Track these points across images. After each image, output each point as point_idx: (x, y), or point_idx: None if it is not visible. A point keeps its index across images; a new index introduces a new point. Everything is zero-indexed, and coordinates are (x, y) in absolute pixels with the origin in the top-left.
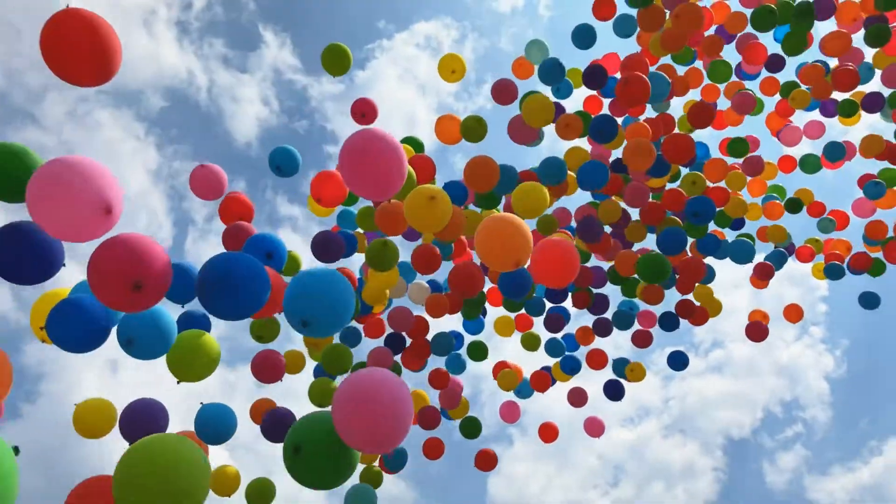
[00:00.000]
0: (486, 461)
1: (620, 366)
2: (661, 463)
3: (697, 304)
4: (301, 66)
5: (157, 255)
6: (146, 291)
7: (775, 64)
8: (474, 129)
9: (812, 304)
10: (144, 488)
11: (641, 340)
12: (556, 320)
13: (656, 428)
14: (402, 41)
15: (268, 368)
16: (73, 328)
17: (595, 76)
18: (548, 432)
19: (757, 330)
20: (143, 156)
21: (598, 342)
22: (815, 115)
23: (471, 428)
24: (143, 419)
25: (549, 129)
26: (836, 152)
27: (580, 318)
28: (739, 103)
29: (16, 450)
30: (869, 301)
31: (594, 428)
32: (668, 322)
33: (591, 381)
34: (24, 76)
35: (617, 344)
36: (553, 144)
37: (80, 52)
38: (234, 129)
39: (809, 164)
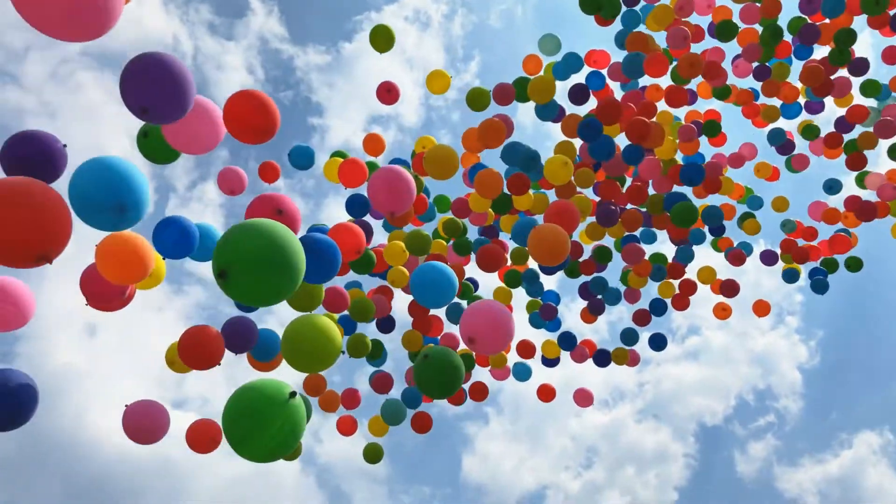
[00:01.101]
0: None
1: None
2: (634, 447)
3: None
4: (288, 35)
5: None
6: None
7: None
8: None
9: (788, 294)
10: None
11: (640, 319)
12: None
13: (630, 412)
14: (391, 13)
15: None
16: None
17: (578, 95)
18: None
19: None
20: (126, 120)
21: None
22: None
23: None
24: None
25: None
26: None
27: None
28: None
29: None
30: (818, 286)
31: (584, 398)
32: (657, 307)
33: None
34: (4, 35)
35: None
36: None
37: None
38: (218, 96)
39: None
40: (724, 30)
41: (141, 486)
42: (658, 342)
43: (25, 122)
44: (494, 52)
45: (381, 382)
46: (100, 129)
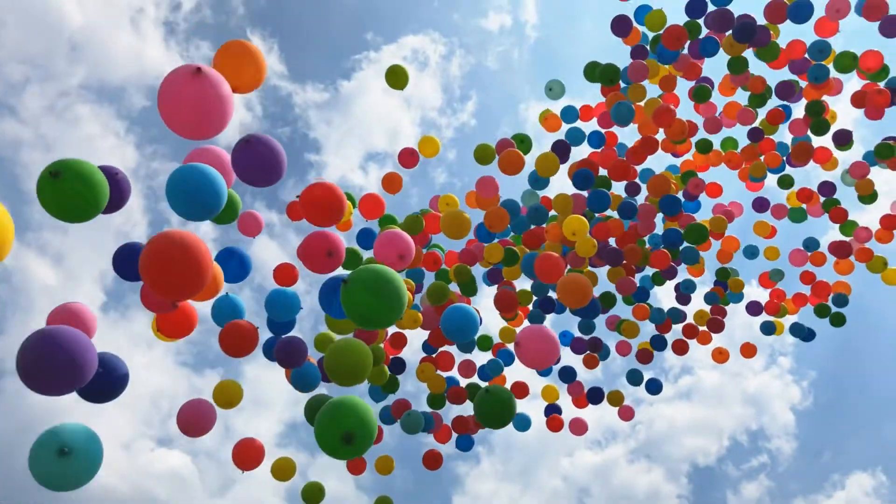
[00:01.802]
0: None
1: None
2: (626, 488)
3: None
4: (287, 72)
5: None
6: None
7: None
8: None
9: (781, 335)
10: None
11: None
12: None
13: (622, 452)
14: (390, 53)
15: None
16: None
17: (560, 149)
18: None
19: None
20: (122, 154)
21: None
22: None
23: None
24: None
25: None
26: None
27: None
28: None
29: None
30: (805, 335)
31: (579, 427)
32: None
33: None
34: (4, 67)
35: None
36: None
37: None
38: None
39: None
40: (699, 93)
41: None
42: (654, 386)
43: (21, 154)
44: (491, 94)
45: (398, 407)
46: (96, 162)
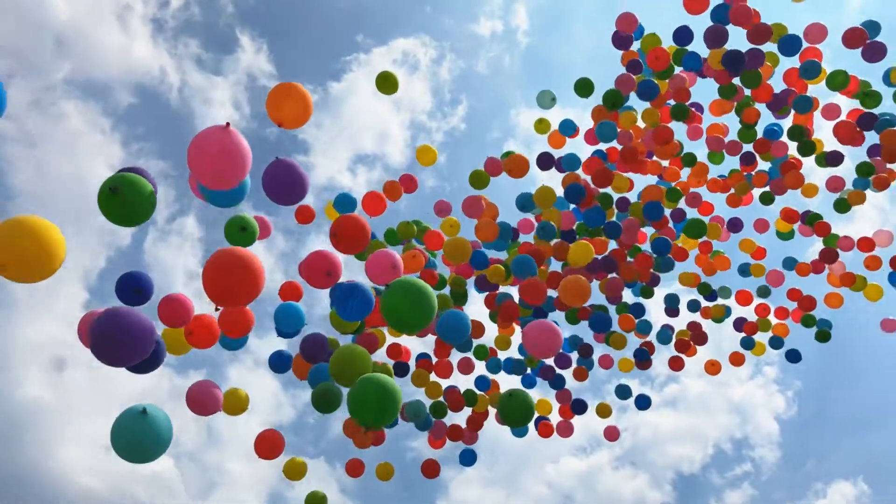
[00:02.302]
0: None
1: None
2: (611, 495)
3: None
4: (276, 72)
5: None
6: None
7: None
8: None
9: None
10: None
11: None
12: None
13: (607, 459)
14: (380, 55)
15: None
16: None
17: (544, 161)
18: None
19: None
20: (108, 151)
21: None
22: None
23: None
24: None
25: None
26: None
27: None
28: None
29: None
30: (792, 356)
31: (565, 430)
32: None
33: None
34: None
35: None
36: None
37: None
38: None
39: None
40: (677, 111)
41: None
42: (643, 402)
43: (5, 148)
44: (481, 98)
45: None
46: (81, 158)
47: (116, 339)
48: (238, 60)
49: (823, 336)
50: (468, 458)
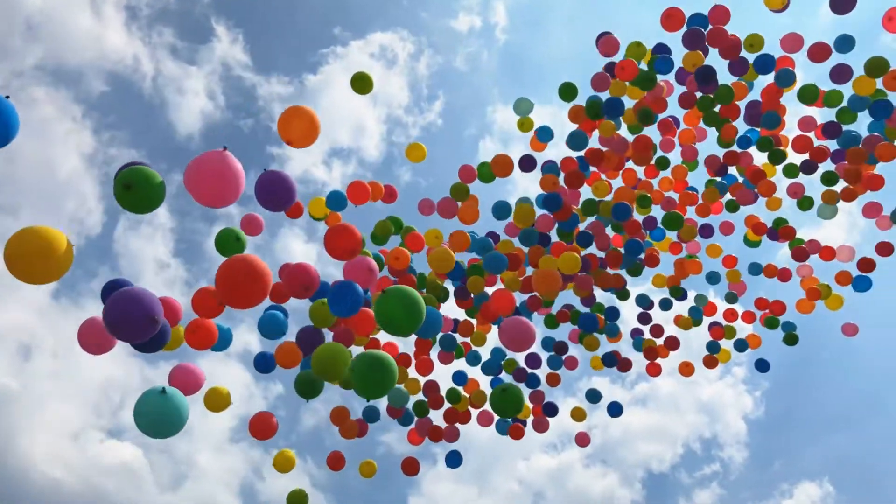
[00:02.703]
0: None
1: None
2: (581, 492)
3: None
4: (251, 63)
5: None
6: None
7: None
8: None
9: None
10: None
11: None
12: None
13: (578, 457)
14: (358, 49)
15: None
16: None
17: (526, 164)
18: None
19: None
20: (78, 139)
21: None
22: None
23: None
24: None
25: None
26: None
27: None
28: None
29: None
30: (761, 366)
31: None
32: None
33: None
34: None
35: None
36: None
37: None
38: (176, 120)
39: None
40: (644, 116)
41: None
42: (615, 409)
43: None
44: (458, 94)
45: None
46: (51, 145)
47: (130, 313)
48: (213, 50)
49: (791, 339)
50: (454, 461)
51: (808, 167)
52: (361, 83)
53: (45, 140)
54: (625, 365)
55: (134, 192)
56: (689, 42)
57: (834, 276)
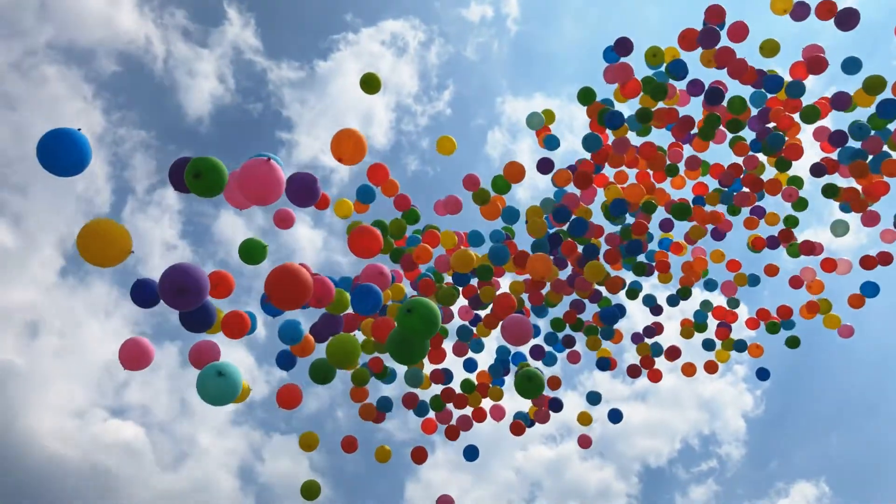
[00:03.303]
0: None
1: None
2: (578, 484)
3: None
4: (262, 48)
5: None
6: None
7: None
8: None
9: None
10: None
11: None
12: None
13: (576, 448)
14: (368, 36)
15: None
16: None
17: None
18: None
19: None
20: (88, 118)
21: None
22: None
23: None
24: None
25: None
26: None
27: None
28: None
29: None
30: (762, 374)
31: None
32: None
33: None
34: None
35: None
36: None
37: None
38: (186, 103)
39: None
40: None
41: (70, 493)
42: (615, 416)
43: None
44: (468, 85)
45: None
46: (61, 124)
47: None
48: (224, 33)
49: (793, 342)
50: (471, 455)
51: (818, 170)
52: (369, 84)
53: (55, 119)
54: (634, 371)
55: (203, 179)
56: (705, 41)
57: (847, 299)
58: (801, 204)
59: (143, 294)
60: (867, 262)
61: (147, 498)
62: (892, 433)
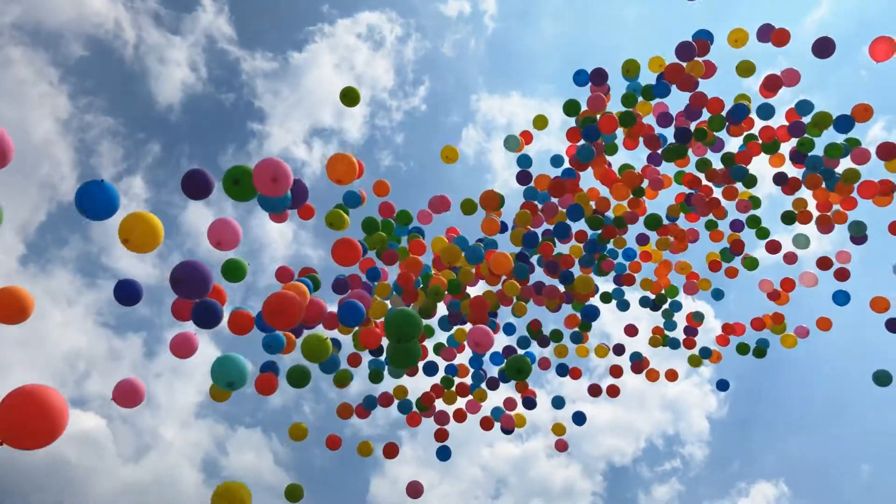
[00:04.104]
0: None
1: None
2: (543, 481)
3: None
4: (236, 37)
5: None
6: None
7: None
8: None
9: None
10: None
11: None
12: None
13: (542, 446)
14: (345, 28)
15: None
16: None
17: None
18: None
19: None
20: (54, 103)
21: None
22: None
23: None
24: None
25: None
26: None
27: None
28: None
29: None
30: (721, 385)
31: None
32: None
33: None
34: None
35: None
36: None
37: None
38: (156, 90)
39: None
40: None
41: (28, 485)
42: (578, 419)
43: None
44: (444, 81)
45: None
46: (25, 108)
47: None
48: (198, 20)
49: (760, 352)
50: (444, 455)
51: (780, 178)
52: (349, 98)
53: (19, 102)
54: (595, 391)
55: (241, 185)
56: (682, 55)
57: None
58: (754, 221)
59: (126, 294)
60: (823, 263)
61: (108, 490)
62: (849, 437)
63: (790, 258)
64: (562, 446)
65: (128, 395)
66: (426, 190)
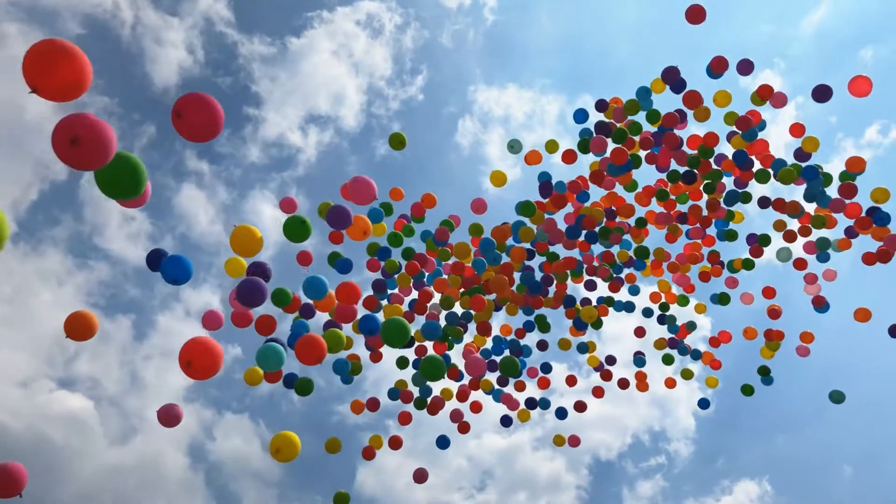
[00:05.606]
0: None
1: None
2: (528, 474)
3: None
4: (234, 20)
5: None
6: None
7: None
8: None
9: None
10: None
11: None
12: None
13: (528, 439)
14: (344, 15)
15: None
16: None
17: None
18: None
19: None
20: None
21: None
22: None
23: None
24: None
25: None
26: None
27: None
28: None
29: None
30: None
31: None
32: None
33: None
34: None
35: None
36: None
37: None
38: (153, 72)
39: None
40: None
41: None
42: (560, 414)
43: None
44: (442, 71)
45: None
46: (19, 85)
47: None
48: (196, 3)
49: (763, 371)
50: (443, 443)
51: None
52: (398, 141)
53: (13, 79)
54: (580, 406)
55: (306, 225)
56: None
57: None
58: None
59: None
60: (799, 265)
61: (93, 472)
62: (833, 437)
63: (800, 264)
64: (574, 441)
65: (171, 417)
66: (422, 179)
